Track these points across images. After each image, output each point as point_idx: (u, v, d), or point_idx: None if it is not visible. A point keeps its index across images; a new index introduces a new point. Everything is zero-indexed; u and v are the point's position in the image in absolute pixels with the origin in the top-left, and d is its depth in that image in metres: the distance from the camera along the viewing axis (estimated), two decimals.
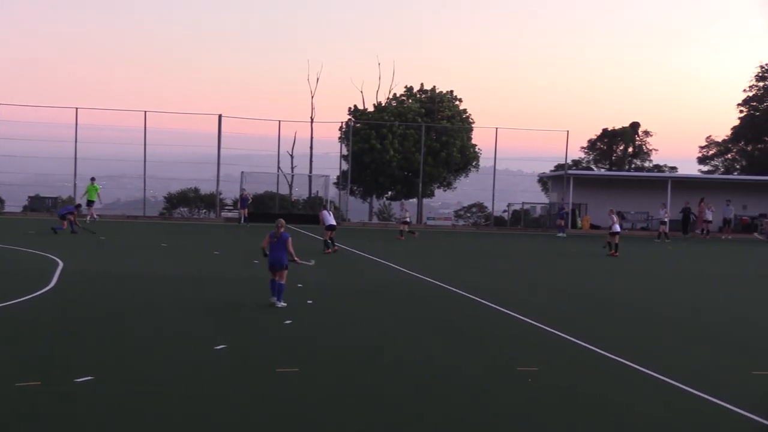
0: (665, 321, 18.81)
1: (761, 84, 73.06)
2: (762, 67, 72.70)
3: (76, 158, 48.71)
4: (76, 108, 49.22)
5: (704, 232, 50.57)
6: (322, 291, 20.81)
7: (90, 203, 42.98)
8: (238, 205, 48.06)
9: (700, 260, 35.93)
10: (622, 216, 53.51)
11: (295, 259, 18.61)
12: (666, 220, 47.13)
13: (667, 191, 53.82)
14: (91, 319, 16.13)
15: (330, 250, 31.99)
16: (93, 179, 43.52)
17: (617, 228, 35.94)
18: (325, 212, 33.88)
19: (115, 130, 64.69)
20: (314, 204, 52.91)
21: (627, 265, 31.71)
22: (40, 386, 10.98)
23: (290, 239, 18.36)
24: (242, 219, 46.55)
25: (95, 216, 42.73)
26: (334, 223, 33.09)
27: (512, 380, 12.48)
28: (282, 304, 18.08)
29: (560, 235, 47.56)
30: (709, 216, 50.64)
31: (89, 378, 11.41)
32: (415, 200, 56.63)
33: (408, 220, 42.51)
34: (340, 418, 10.27)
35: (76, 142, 48.96)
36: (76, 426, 9.60)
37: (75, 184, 47.71)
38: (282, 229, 18.32)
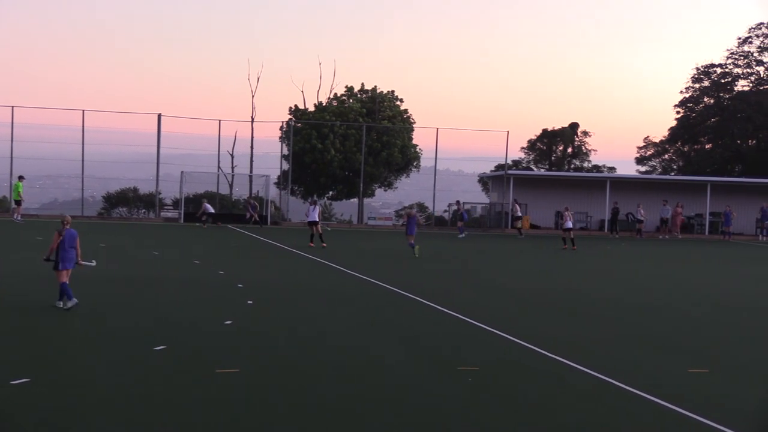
0: (598, 318, 18.99)
1: (697, 86, 74.22)
2: (698, 68, 73.90)
3: (12, 157, 48.05)
4: (12, 107, 48.66)
5: (639, 232, 51.39)
6: (262, 291, 20.74)
7: (17, 202, 42.71)
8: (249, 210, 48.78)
9: (633, 260, 36.35)
10: (561, 216, 54.15)
11: (80, 260, 17.62)
12: (519, 215, 48.29)
13: (605, 191, 54.46)
14: (28, 321, 15.92)
15: (312, 244, 33.70)
16: (21, 177, 43.26)
17: (569, 224, 39.52)
18: (310, 207, 35.27)
19: (52, 128, 63.96)
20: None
21: (565, 264, 32.03)
22: None
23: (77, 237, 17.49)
24: (257, 221, 48.04)
25: (19, 216, 42.23)
26: (315, 219, 34.82)
27: (454, 379, 12.53)
28: (61, 304, 17.07)
29: (461, 236, 47.15)
30: (641, 216, 51.46)
31: (25, 380, 11.27)
32: (356, 200, 56.67)
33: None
34: (280, 419, 10.25)
35: (12, 141, 48.33)
36: (10, 428, 9.47)
37: (11, 184, 47.07)
38: (69, 226, 17.28)
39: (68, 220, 17.42)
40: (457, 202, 49.50)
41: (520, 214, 49.50)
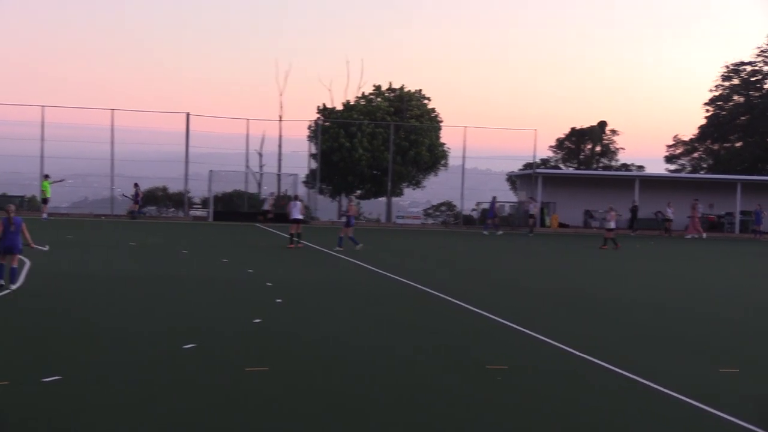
0: (629, 319, 18.88)
1: (727, 84, 73.72)
2: (727, 67, 73.40)
3: (42, 157, 48.46)
4: (43, 106, 49.08)
5: (667, 230, 51.20)
6: (291, 290, 20.78)
7: (44, 201, 43.54)
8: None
9: (661, 259, 36.17)
10: (590, 215, 54.11)
11: (30, 243, 19.52)
12: (532, 212, 49.13)
13: (634, 190, 54.23)
14: (59, 319, 16.04)
15: (293, 245, 32.12)
16: (47, 176, 44.09)
17: (613, 224, 39.19)
18: (291, 203, 34.07)
19: (82, 128, 64.32)
20: (283, 203, 52.95)
21: (593, 263, 31.93)
22: (8, 386, 10.89)
23: (24, 224, 19.19)
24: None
25: (45, 215, 42.95)
26: (299, 216, 33.26)
27: (482, 378, 12.50)
28: (15, 286, 18.91)
29: (485, 232, 47.96)
30: (671, 214, 51.23)
31: (57, 378, 11.34)
32: (384, 199, 56.69)
33: None
34: (309, 417, 10.25)
35: (42, 140, 48.74)
36: (42, 426, 9.52)
37: (41, 183, 47.44)
38: (13, 215, 18.97)
39: (12, 209, 19.22)
40: (494, 198, 50.23)
41: (533, 212, 49.43)
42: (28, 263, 23.46)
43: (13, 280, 18.96)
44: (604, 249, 37.92)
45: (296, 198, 35.50)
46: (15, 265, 19.05)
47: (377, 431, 9.93)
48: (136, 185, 48.82)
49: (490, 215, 49.40)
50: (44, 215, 43.05)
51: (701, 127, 74.61)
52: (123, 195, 49.66)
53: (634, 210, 52.30)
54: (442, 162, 57.43)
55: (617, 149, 75.60)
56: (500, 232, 48.21)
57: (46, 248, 20.58)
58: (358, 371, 12.61)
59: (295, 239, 32.54)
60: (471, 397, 11.44)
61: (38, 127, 48.73)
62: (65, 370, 11.82)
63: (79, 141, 52.94)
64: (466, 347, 14.89)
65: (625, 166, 73.14)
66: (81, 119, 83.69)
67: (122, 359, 12.76)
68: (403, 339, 15.41)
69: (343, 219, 34.35)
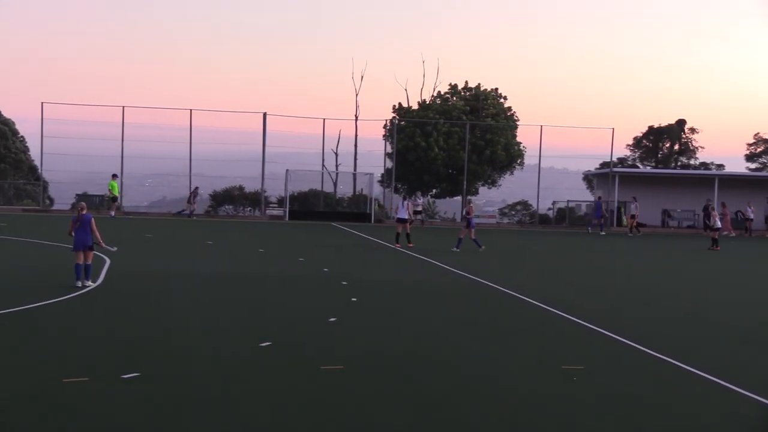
0: (714, 320, 18.63)
1: None
2: None
3: (122, 156, 49.24)
4: (123, 107, 49.89)
5: (747, 230, 50.43)
6: (366, 289, 20.82)
7: (113, 200, 44.42)
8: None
9: (749, 259, 35.60)
10: (668, 214, 53.40)
11: (100, 242, 19.64)
12: (635, 213, 49.07)
13: (714, 189, 53.38)
14: (137, 317, 16.26)
15: (398, 245, 32.12)
16: (114, 176, 44.95)
17: (718, 224, 39.40)
18: (400, 203, 34.05)
19: (161, 128, 65.14)
20: (358, 202, 53.09)
21: (674, 264, 31.52)
22: (87, 382, 11.06)
23: (93, 220, 19.38)
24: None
25: (113, 213, 43.76)
26: (404, 216, 33.26)
27: (557, 378, 12.40)
28: (90, 283, 19.34)
29: (602, 233, 47.97)
30: (751, 214, 50.44)
31: (135, 374, 11.49)
32: (459, 198, 56.53)
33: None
34: (385, 416, 10.26)
35: (122, 140, 49.51)
36: (120, 421, 9.65)
37: (122, 182, 48.17)
38: (83, 212, 19.31)
39: (83, 206, 19.72)
40: (599, 198, 50.35)
41: (634, 212, 49.20)
42: (108, 261, 23.82)
43: (87, 277, 19.39)
44: (716, 250, 37.69)
45: (404, 198, 35.27)
46: (89, 262, 19.43)
47: (453, 429, 9.91)
48: (196, 187, 49.34)
49: (597, 215, 49.33)
50: (112, 213, 43.97)
51: None
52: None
53: (706, 209, 51.51)
54: (518, 161, 57.07)
55: (696, 148, 74.45)
56: (603, 232, 48.12)
57: (114, 249, 20.98)
58: (432, 370, 12.59)
59: (401, 241, 32.55)
60: (545, 397, 11.34)
61: (118, 127, 49.57)
62: (143, 366, 11.97)
63: (158, 141, 53.73)
64: (542, 347, 14.77)
65: (705, 165, 72.01)
66: (160, 119, 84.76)
67: (199, 357, 12.89)
68: (478, 338, 15.35)
69: (464, 220, 33.76)
